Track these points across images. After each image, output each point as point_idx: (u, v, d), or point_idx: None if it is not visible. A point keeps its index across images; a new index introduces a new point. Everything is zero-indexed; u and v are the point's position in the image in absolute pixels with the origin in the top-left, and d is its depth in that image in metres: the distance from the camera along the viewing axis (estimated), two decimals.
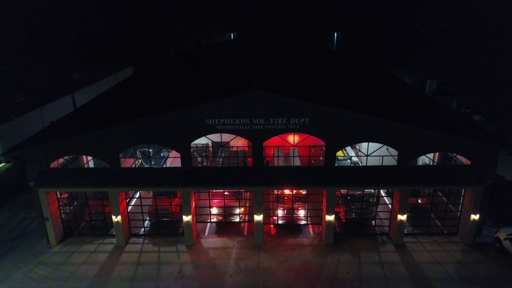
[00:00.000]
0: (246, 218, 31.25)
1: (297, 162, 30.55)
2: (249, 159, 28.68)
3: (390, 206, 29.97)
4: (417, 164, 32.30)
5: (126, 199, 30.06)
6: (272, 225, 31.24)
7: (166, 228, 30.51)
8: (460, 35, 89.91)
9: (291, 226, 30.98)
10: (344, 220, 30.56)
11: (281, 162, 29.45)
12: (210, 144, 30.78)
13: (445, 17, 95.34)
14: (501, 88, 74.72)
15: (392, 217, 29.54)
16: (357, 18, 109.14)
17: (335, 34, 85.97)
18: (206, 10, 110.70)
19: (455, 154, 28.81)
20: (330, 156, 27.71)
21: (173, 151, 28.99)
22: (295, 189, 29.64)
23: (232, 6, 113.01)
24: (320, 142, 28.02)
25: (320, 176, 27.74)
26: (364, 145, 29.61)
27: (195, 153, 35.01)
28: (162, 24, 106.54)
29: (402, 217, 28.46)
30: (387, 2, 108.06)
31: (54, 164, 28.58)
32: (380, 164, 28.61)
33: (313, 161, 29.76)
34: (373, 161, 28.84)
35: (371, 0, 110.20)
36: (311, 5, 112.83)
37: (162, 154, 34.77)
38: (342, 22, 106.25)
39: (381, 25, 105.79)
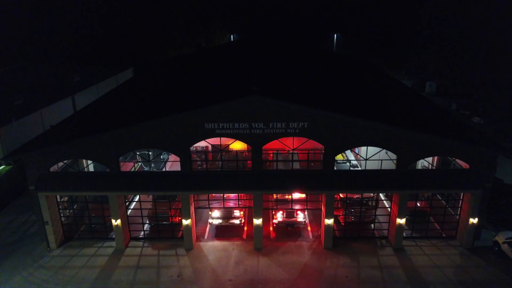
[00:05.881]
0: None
1: (296, 166, 30.60)
2: (248, 162, 28.77)
3: (389, 209, 30.04)
4: (416, 168, 32.36)
5: (125, 202, 30.15)
6: (271, 228, 31.36)
7: (165, 232, 30.58)
8: (459, 37, 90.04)
9: (291, 229, 31.08)
10: (343, 224, 30.65)
11: (280, 166, 29.56)
12: (210, 148, 30.87)
13: (445, 19, 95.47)
14: (501, 89, 74.83)
15: (391, 221, 29.63)
16: (356, 20, 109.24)
17: (335, 36, 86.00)
18: (206, 11, 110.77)
19: (454, 158, 28.90)
20: (329, 160, 27.80)
21: (173, 155, 29.10)
22: (294, 193, 29.73)
23: (232, 7, 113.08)
24: (319, 146, 28.10)
25: (319, 180, 27.82)
26: (363, 149, 29.70)
27: (194, 155, 35.04)
28: (162, 26, 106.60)
29: (401, 221, 28.54)
30: (386, 4, 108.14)
31: (54, 168, 28.65)
32: (379, 168, 28.69)
33: (312, 164, 29.88)
34: (372, 165, 28.92)
35: (371, 1, 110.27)
36: (311, 7, 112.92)
37: (162, 157, 34.85)
38: (342, 23, 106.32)
39: (380, 27, 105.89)
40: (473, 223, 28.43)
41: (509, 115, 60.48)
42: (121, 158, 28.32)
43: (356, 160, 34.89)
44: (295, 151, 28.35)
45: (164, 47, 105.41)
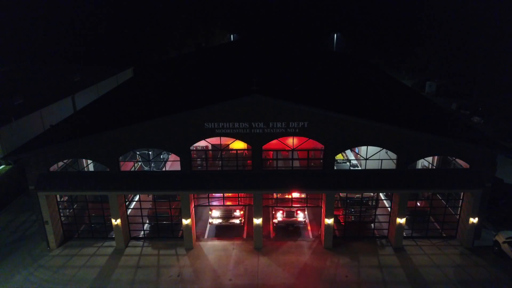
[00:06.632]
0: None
1: (296, 165, 30.65)
2: (248, 161, 28.77)
3: (389, 209, 30.03)
4: (416, 167, 32.35)
5: (125, 202, 30.15)
6: (271, 228, 31.36)
7: (165, 231, 30.57)
8: (459, 37, 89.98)
9: (291, 229, 31.07)
10: (343, 223, 30.65)
11: (280, 166, 29.59)
12: (210, 147, 30.90)
13: (445, 19, 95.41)
14: (501, 89, 74.76)
15: (391, 220, 29.62)
16: (356, 19, 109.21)
17: (335, 35, 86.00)
18: (206, 11, 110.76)
19: (454, 158, 28.88)
20: (329, 159, 27.79)
21: (173, 154, 29.15)
22: (294, 193, 29.72)
23: (232, 7, 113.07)
24: (319, 146, 28.10)
25: (319, 180, 27.82)
26: (363, 148, 29.69)
27: (194, 155, 35.09)
28: (162, 26, 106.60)
29: (401, 220, 28.54)
30: (386, 4, 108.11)
31: (54, 168, 28.64)
32: (379, 168, 28.69)
33: (312, 164, 29.91)
34: (372, 165, 28.92)
35: (371, 1, 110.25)
36: (311, 7, 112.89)
37: (162, 157, 34.85)
38: (342, 23, 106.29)
39: (380, 26, 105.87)
40: (473, 223, 28.42)
41: (509, 115, 60.45)
42: (121, 157, 28.30)
43: (356, 159, 34.89)
44: (295, 151, 28.35)
45: (164, 47, 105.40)
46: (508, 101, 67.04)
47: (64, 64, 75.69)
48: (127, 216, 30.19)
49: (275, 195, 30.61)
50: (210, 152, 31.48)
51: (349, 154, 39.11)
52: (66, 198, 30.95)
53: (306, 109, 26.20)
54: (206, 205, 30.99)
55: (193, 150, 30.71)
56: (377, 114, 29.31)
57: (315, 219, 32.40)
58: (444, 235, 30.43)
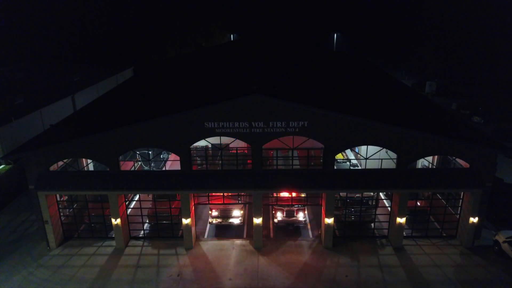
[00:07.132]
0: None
1: (296, 165, 30.66)
2: (248, 161, 28.77)
3: (389, 209, 30.02)
4: (416, 167, 32.34)
5: (125, 201, 30.14)
6: (271, 228, 31.34)
7: (165, 231, 30.56)
8: (459, 36, 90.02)
9: (291, 229, 31.06)
10: (343, 221, 30.58)
11: (280, 165, 29.57)
12: (210, 147, 30.90)
13: (445, 18, 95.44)
14: (501, 89, 74.82)
15: (391, 220, 29.60)
16: (356, 19, 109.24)
17: (335, 35, 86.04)
18: (206, 11, 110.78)
19: (454, 157, 28.87)
20: (329, 159, 27.78)
21: (173, 154, 29.16)
22: (294, 192, 29.72)
23: (232, 7, 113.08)
24: (319, 145, 28.10)
25: (319, 179, 27.80)
26: (363, 148, 29.68)
27: (194, 155, 35.08)
28: (162, 26, 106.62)
29: (401, 220, 28.52)
30: (386, 3, 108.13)
31: (53, 167, 28.63)
32: (379, 167, 28.67)
33: (312, 163, 29.91)
34: (372, 164, 28.90)
35: (371, 1, 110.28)
36: (311, 7, 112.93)
37: (162, 156, 34.88)
38: (342, 23, 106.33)
39: (380, 26, 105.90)
40: (473, 222, 28.40)
41: (509, 115, 60.44)
42: (121, 157, 28.29)
43: (356, 159, 34.89)
44: (295, 150, 28.34)
45: (164, 47, 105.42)
46: (508, 101, 67.04)
47: (64, 64, 75.62)
48: (127, 215, 30.17)
49: (275, 195, 30.59)
50: (210, 151, 31.48)
51: (349, 153, 39.10)
52: (66, 197, 30.94)
53: (306, 108, 26.20)
54: (206, 203, 30.97)
55: (193, 149, 30.72)
56: (377, 113, 29.30)
57: (315, 218, 32.39)
58: (444, 234, 30.41)
